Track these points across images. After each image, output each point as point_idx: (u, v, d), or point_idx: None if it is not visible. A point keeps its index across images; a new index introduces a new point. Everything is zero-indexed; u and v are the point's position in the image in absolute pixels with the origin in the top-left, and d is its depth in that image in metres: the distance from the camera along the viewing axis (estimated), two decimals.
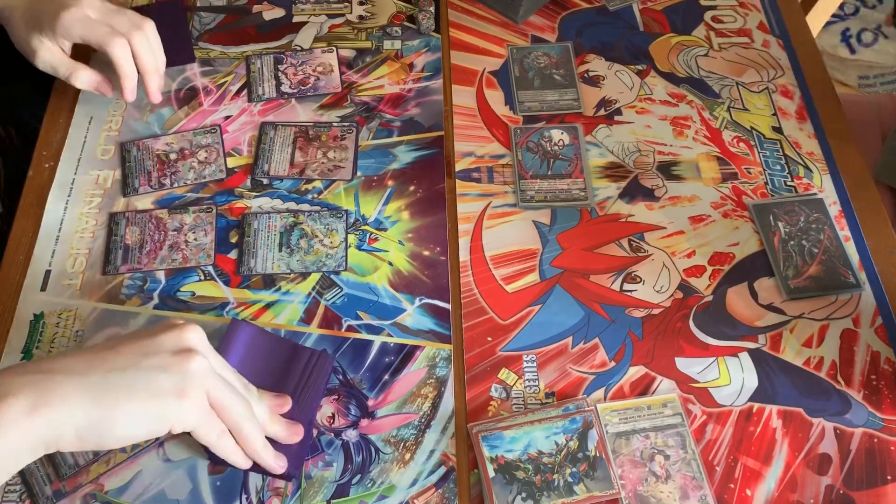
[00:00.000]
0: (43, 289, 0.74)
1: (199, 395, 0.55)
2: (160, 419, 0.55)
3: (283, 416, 0.64)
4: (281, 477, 0.65)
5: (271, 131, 0.85)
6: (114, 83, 0.82)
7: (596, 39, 0.96)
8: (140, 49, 0.79)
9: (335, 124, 0.86)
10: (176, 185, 0.81)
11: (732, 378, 0.71)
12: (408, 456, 0.67)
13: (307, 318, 0.73)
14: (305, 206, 0.80)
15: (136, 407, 0.54)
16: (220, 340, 0.65)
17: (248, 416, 0.59)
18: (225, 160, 0.83)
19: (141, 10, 0.95)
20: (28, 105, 0.88)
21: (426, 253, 0.78)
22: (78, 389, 0.53)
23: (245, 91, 0.89)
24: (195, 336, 0.58)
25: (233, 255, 0.77)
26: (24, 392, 0.51)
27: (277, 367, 0.66)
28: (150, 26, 0.81)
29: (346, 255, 0.77)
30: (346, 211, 0.80)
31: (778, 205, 0.82)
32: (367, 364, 0.71)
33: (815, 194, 0.83)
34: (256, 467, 0.64)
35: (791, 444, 0.68)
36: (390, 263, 0.77)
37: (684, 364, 0.72)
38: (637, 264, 0.78)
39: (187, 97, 0.88)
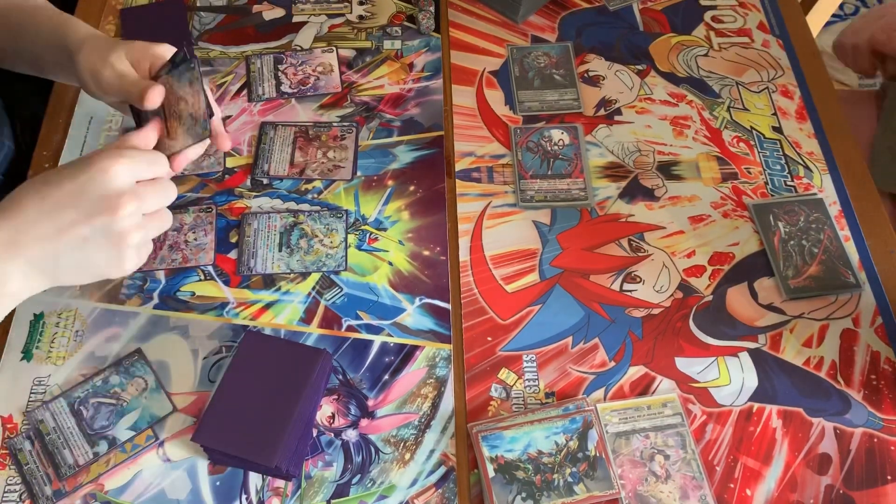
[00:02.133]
0: None
1: (133, 252, 0.58)
2: (106, 278, 0.59)
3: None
4: (281, 477, 0.65)
5: (271, 131, 0.85)
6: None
7: (596, 39, 0.96)
8: None
9: (335, 124, 0.86)
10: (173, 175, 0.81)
11: (732, 378, 0.71)
12: (408, 456, 0.67)
13: (307, 318, 0.73)
14: (305, 206, 0.80)
15: (84, 277, 0.58)
16: (234, 356, 0.66)
17: (167, 192, 0.60)
18: (224, 154, 0.83)
19: (141, 9, 0.95)
20: (28, 105, 0.88)
21: (426, 253, 0.78)
22: (21, 268, 0.55)
23: (245, 91, 0.89)
24: (118, 177, 0.56)
25: (233, 255, 0.77)
26: None
27: (281, 368, 0.66)
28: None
29: (346, 255, 0.77)
30: (346, 211, 0.80)
31: (778, 205, 0.82)
32: (367, 364, 0.71)
33: (815, 194, 0.83)
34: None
35: (791, 443, 0.68)
36: (390, 263, 0.77)
37: (684, 364, 0.72)
38: (637, 264, 0.78)
39: None
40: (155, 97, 0.62)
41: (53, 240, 0.55)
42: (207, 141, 0.67)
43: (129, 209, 0.55)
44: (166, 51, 0.65)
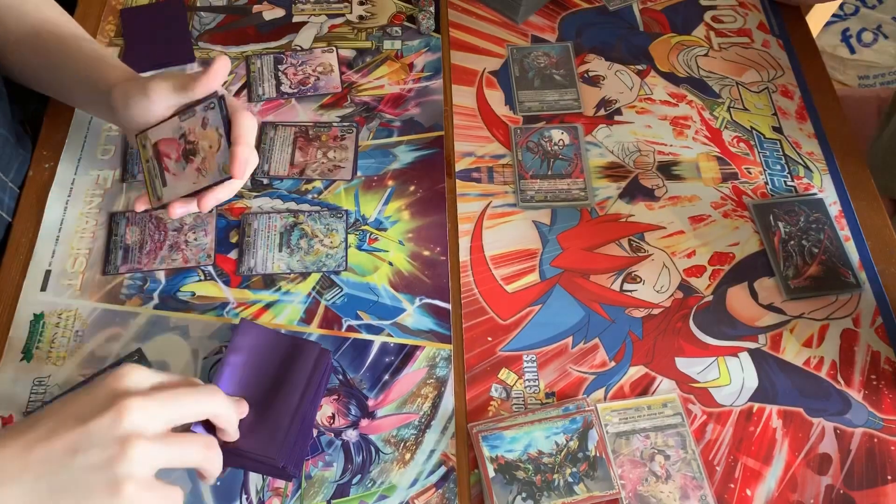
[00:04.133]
0: (43, 289, 0.74)
1: (134, 489, 0.51)
2: None
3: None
4: (281, 476, 0.65)
5: (271, 131, 0.85)
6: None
7: (596, 39, 0.96)
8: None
9: (335, 124, 0.86)
10: None
11: (732, 378, 0.71)
12: (408, 456, 0.67)
13: (307, 318, 0.73)
14: (305, 206, 0.80)
15: None
16: (229, 343, 0.65)
17: (200, 455, 0.55)
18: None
19: (141, 9, 0.95)
20: (28, 105, 0.88)
21: (426, 253, 0.78)
22: (11, 495, 0.50)
23: (245, 91, 0.89)
24: (130, 416, 0.51)
25: (233, 255, 0.77)
26: None
27: (282, 362, 0.66)
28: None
29: (346, 255, 0.77)
30: (346, 211, 0.80)
31: (778, 205, 0.82)
32: (367, 364, 0.71)
33: (815, 194, 0.83)
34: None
35: (791, 444, 0.68)
36: (390, 263, 0.77)
37: (684, 364, 0.72)
38: (637, 264, 0.78)
39: None
40: (221, 68, 0.63)
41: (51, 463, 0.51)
42: (236, 184, 0.67)
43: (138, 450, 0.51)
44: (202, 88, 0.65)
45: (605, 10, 0.99)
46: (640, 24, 0.98)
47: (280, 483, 0.65)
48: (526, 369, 0.71)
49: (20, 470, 0.50)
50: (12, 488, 0.50)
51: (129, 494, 0.50)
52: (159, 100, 0.66)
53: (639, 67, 0.93)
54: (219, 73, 0.64)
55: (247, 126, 0.66)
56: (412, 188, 0.82)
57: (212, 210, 0.79)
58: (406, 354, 0.72)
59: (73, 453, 0.51)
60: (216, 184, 0.65)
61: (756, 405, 0.70)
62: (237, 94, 0.89)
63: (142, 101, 0.66)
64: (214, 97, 0.65)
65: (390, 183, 0.82)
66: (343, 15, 0.97)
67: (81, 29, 0.78)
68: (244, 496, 0.64)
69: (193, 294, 0.75)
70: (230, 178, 0.65)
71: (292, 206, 0.80)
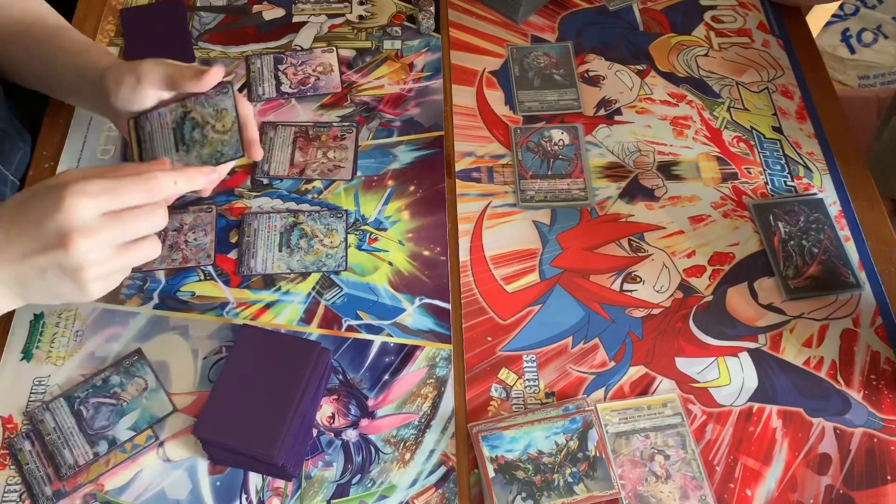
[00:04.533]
0: None
1: (96, 284, 0.57)
2: (67, 302, 0.59)
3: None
4: (281, 476, 0.65)
5: (271, 131, 0.85)
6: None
7: (596, 39, 0.96)
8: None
9: (335, 124, 0.86)
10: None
11: (732, 378, 0.71)
12: (408, 456, 0.67)
13: (307, 318, 0.73)
14: (305, 206, 0.80)
15: (51, 300, 0.59)
16: (230, 350, 0.65)
17: (148, 222, 0.58)
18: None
19: (141, 9, 0.95)
20: (28, 105, 0.88)
21: (426, 253, 0.78)
22: None
23: (245, 91, 0.89)
24: (74, 212, 0.54)
25: (233, 255, 0.77)
26: None
27: (281, 361, 0.66)
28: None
29: (346, 255, 0.77)
30: (346, 211, 0.80)
31: (778, 205, 0.82)
32: (367, 364, 0.71)
33: (815, 194, 0.83)
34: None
35: (791, 444, 0.68)
36: (390, 263, 0.77)
37: (684, 364, 0.72)
38: (637, 264, 0.78)
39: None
40: (215, 75, 0.63)
41: (18, 264, 0.55)
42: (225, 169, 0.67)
43: (82, 247, 0.54)
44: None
45: (605, 10, 0.99)
46: (640, 24, 0.98)
47: (280, 483, 0.65)
48: (526, 369, 0.71)
49: None
50: None
51: (90, 277, 0.56)
52: (149, 84, 0.66)
53: (639, 67, 0.93)
54: (212, 79, 0.65)
55: (251, 113, 0.68)
56: (412, 188, 0.82)
57: (212, 210, 0.79)
58: (406, 354, 0.72)
59: (30, 258, 0.55)
60: (226, 161, 0.66)
61: (756, 405, 0.70)
62: None
63: (131, 83, 0.66)
64: (229, 85, 0.66)
65: (390, 183, 0.82)
66: (343, 15, 0.97)
67: (65, 21, 0.79)
68: (244, 496, 0.64)
69: (193, 294, 0.75)
70: (242, 156, 0.65)
71: (292, 205, 0.80)
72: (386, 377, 0.70)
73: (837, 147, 0.87)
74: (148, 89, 0.66)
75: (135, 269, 0.72)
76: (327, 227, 0.79)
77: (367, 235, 0.79)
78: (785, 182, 0.84)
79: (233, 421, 0.61)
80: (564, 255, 0.78)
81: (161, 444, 0.67)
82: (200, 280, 0.76)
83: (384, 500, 0.65)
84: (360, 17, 0.96)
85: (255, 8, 0.97)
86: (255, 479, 0.65)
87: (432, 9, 0.95)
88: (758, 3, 1.01)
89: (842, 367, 0.72)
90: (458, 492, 0.65)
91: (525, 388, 0.70)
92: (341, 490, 0.65)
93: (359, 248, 0.78)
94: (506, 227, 0.80)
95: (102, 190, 0.55)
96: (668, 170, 0.85)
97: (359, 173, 0.83)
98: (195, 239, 0.78)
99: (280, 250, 0.77)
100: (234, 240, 0.78)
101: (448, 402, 0.69)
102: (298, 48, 0.93)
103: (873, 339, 0.74)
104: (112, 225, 0.56)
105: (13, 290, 0.58)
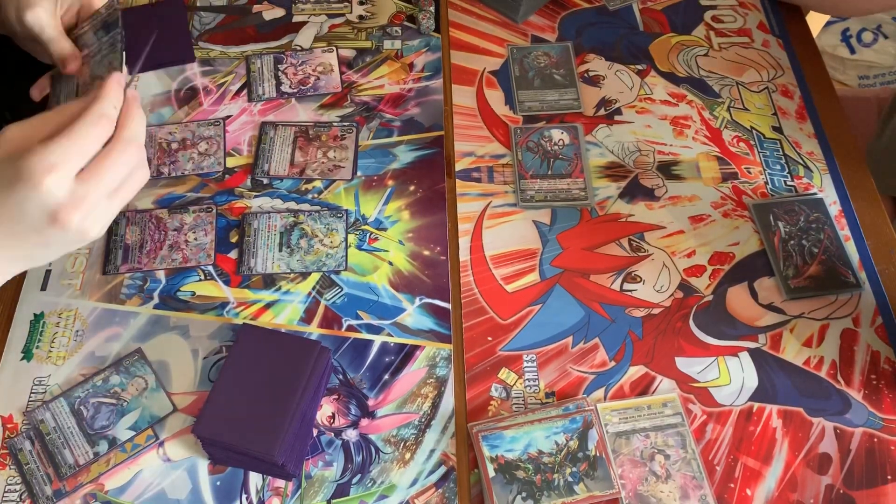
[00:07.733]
0: (43, 288, 0.75)
1: (97, 228, 0.55)
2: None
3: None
4: (281, 475, 0.65)
5: (271, 131, 0.85)
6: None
7: (596, 39, 0.96)
8: None
9: (335, 124, 0.86)
10: (174, 174, 0.81)
11: (732, 378, 0.71)
12: (408, 455, 0.67)
13: (307, 318, 0.73)
14: (305, 206, 0.80)
15: (54, 257, 0.59)
16: (230, 350, 0.65)
17: (125, 164, 0.56)
18: (224, 154, 0.83)
19: (141, 9, 0.95)
20: (28, 104, 0.87)
21: (426, 253, 0.78)
22: None
23: (245, 91, 0.89)
24: (53, 191, 0.53)
25: (233, 254, 0.77)
26: None
27: (281, 361, 0.66)
28: None
29: (346, 255, 0.77)
30: (346, 211, 0.80)
31: (778, 204, 0.82)
32: (367, 364, 0.71)
33: (815, 194, 0.83)
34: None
35: (791, 443, 0.68)
36: (390, 263, 0.77)
37: (684, 364, 0.72)
38: (637, 264, 0.78)
39: (187, 97, 0.88)
40: (73, 65, 0.66)
41: (17, 248, 0.55)
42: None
43: (75, 218, 0.53)
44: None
45: (605, 10, 0.99)
46: (640, 23, 0.98)
47: (280, 483, 0.65)
48: (526, 369, 0.71)
49: None
50: None
51: (93, 232, 0.55)
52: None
53: (639, 67, 0.93)
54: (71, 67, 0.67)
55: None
56: (412, 188, 0.82)
57: (212, 210, 0.79)
58: (406, 354, 0.72)
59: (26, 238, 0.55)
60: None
61: (756, 405, 0.70)
62: (237, 94, 0.89)
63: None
64: (119, 35, 0.64)
65: (390, 183, 0.82)
66: (343, 15, 0.97)
67: None
68: (244, 496, 0.64)
69: (193, 294, 0.75)
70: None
71: (292, 205, 0.80)
72: (386, 377, 0.70)
73: (837, 147, 0.87)
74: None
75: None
76: (327, 226, 0.79)
77: (368, 235, 0.79)
78: (785, 182, 0.84)
79: (233, 420, 0.61)
80: (564, 254, 0.78)
81: (161, 444, 0.67)
82: (200, 280, 0.76)
83: (384, 500, 0.65)
84: (360, 17, 0.96)
85: (255, 8, 0.97)
86: (255, 479, 0.65)
87: (432, 9, 0.95)
88: (758, 3, 1.01)
89: (842, 366, 0.72)
90: (459, 491, 0.65)
91: (525, 387, 0.70)
92: (341, 490, 0.65)
93: (359, 247, 0.78)
94: (506, 227, 0.80)
95: (65, 154, 0.53)
96: (668, 169, 0.85)
97: (359, 173, 0.83)
98: (195, 239, 0.78)
99: (280, 250, 0.77)
100: (234, 239, 0.78)
101: (448, 402, 0.69)
102: (298, 48, 0.93)
103: (873, 339, 0.74)
104: (93, 185, 0.54)
105: (22, 263, 0.57)
